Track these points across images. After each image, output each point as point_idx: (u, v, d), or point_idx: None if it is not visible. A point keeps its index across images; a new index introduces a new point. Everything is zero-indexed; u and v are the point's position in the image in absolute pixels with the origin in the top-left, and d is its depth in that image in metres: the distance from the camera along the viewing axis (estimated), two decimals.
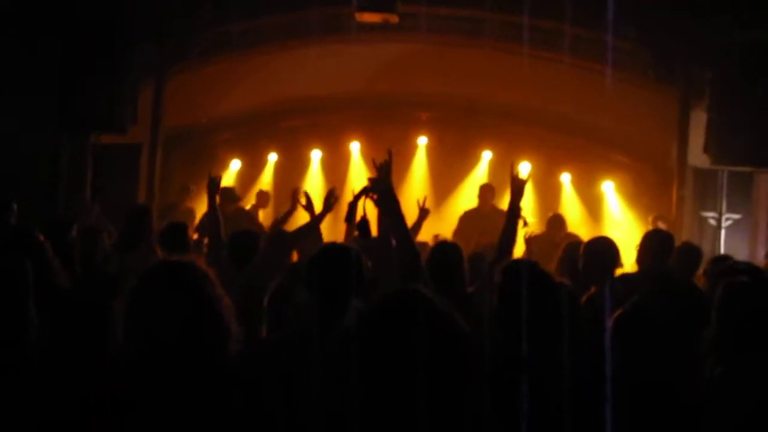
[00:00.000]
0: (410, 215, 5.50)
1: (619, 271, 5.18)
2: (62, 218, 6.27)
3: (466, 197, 11.78)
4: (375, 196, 4.19)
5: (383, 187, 4.09)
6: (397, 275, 4.04)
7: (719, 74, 9.25)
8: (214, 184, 5.94)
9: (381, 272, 4.29)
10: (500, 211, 8.80)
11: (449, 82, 11.65)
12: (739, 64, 8.90)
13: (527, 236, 7.41)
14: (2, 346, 3.08)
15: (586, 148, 12.21)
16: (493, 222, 8.58)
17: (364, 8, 9.42)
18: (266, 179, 12.63)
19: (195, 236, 8.37)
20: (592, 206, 12.31)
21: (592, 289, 4.89)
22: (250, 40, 11.48)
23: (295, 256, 6.08)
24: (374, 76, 11.79)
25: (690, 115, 10.19)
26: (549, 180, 12.21)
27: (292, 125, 12.77)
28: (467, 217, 10.40)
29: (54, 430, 2.93)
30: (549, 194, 12.14)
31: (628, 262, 5.52)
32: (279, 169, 12.72)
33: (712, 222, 10.30)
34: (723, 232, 10.15)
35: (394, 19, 9.60)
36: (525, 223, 4.92)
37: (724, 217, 10.17)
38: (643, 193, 11.83)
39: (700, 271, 5.83)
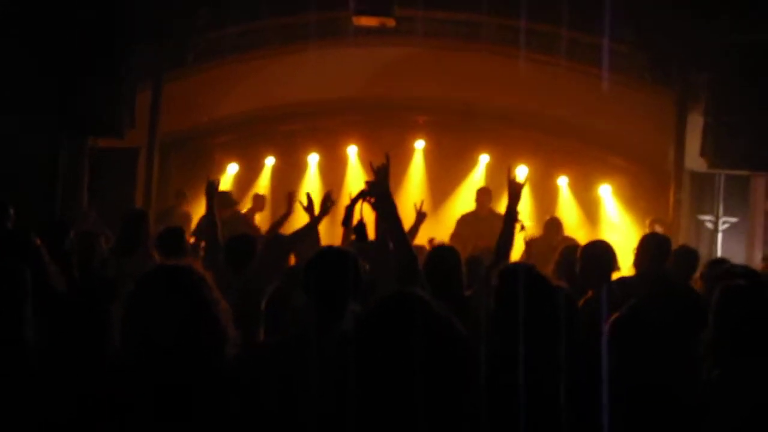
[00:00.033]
0: (407, 219, 5.50)
1: (616, 275, 5.18)
2: (60, 221, 6.26)
3: (464, 201, 11.79)
4: (372, 200, 4.19)
5: (381, 191, 4.09)
6: (394, 278, 4.04)
7: (716, 77, 9.27)
8: (212, 188, 5.93)
9: (378, 275, 4.29)
10: (497, 215, 8.81)
11: (446, 86, 11.67)
12: (736, 67, 8.92)
13: (527, 239, 7.41)
14: (0, 349, 3.08)
15: (583, 152, 12.22)
16: (490, 225, 8.59)
17: (361, 12, 9.44)
18: (263, 183, 12.62)
19: (192, 240, 8.36)
20: (590, 210, 12.32)
21: (590, 293, 4.89)
22: (248, 43, 11.50)
23: (292, 260, 6.08)
24: (371, 80, 11.81)
25: (687, 119, 10.21)
26: (546, 183, 12.22)
27: (289, 129, 12.77)
28: (464, 221, 10.40)
29: None
30: (546, 198, 12.14)
31: (625, 266, 5.53)
32: (276, 172, 12.71)
33: (709, 225, 10.31)
34: (720, 235, 10.17)
35: (391, 22, 9.62)
36: (522, 227, 4.92)
37: (721, 221, 10.19)
38: (640, 197, 11.84)
39: (697, 274, 5.84)
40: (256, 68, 11.75)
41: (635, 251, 5.64)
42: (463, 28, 11.45)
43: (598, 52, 9.94)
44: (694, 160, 10.02)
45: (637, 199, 11.92)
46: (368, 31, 10.49)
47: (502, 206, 5.37)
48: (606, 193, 12.26)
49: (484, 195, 10.55)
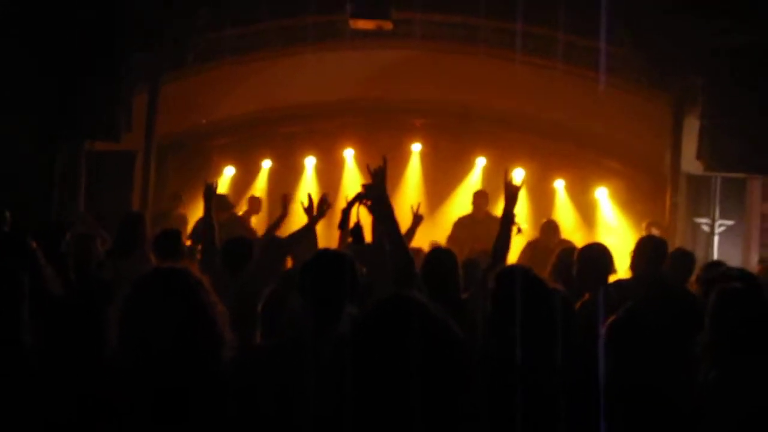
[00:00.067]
0: (404, 221, 5.50)
1: (612, 277, 5.19)
2: (57, 223, 6.25)
3: (460, 204, 11.79)
4: (369, 203, 4.19)
5: (377, 194, 4.09)
6: (391, 281, 4.04)
7: (712, 80, 9.28)
8: (210, 191, 5.93)
9: (375, 278, 4.29)
10: (494, 218, 8.80)
11: (443, 89, 11.67)
12: (732, 71, 8.93)
13: (531, 241, 7.40)
14: None
15: (579, 155, 12.23)
16: (487, 228, 8.59)
17: (358, 15, 9.44)
18: (260, 186, 12.62)
19: (188, 243, 8.36)
20: (586, 212, 12.32)
21: (586, 296, 4.89)
22: (245, 46, 11.48)
23: (289, 262, 6.08)
24: (368, 83, 11.81)
25: (683, 121, 10.23)
26: (543, 186, 12.22)
27: (286, 131, 12.77)
28: (461, 224, 10.41)
29: None
30: (543, 201, 12.15)
31: (622, 269, 5.53)
32: (273, 175, 12.70)
33: (706, 228, 10.33)
34: (716, 238, 10.18)
35: (388, 25, 9.62)
36: (519, 230, 4.92)
37: (717, 224, 10.20)
38: (637, 200, 11.85)
39: (693, 277, 5.84)
40: (254, 70, 11.75)
41: (632, 254, 5.65)
42: (460, 31, 11.44)
43: (594, 55, 9.95)
44: (691, 163, 10.03)
45: (633, 202, 11.93)
46: (365, 33, 10.49)
47: (498, 209, 5.37)
48: (602, 196, 12.27)
49: (480, 198, 10.55)
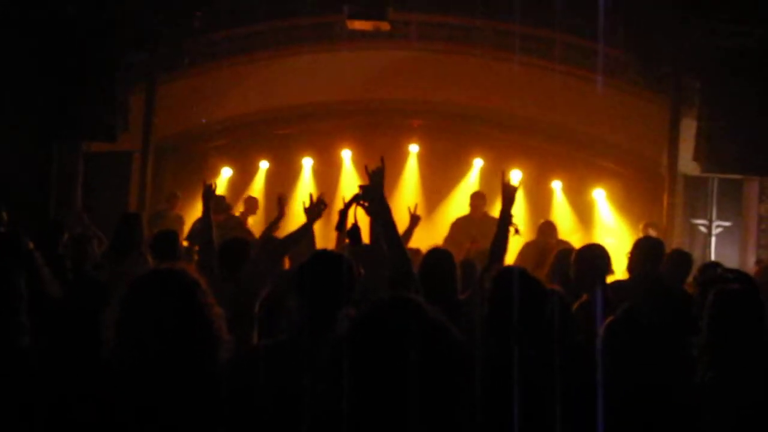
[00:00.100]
0: (401, 222, 5.50)
1: (610, 278, 5.19)
2: (54, 224, 6.25)
3: (458, 204, 11.79)
4: (366, 204, 4.18)
5: (375, 194, 4.08)
6: (388, 282, 4.03)
7: (709, 82, 9.30)
8: (209, 192, 5.92)
9: (372, 279, 4.29)
10: (492, 219, 8.80)
11: (440, 90, 11.68)
12: (729, 72, 8.94)
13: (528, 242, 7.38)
14: None
15: (576, 156, 12.24)
16: (484, 229, 8.59)
17: (355, 16, 9.45)
18: (257, 187, 12.59)
19: (185, 244, 8.35)
20: (583, 214, 12.32)
21: (584, 296, 4.89)
22: (241, 47, 11.50)
23: (287, 263, 6.07)
24: (366, 84, 11.81)
25: (680, 123, 10.25)
26: (540, 187, 12.22)
27: (283, 133, 12.76)
28: (458, 224, 10.40)
29: None
30: (540, 202, 12.15)
31: (619, 269, 5.53)
32: (270, 176, 12.69)
33: (703, 229, 10.35)
34: (713, 239, 10.20)
35: (385, 26, 9.63)
36: (516, 231, 4.91)
37: (714, 225, 10.22)
38: (634, 201, 11.86)
39: (690, 278, 5.85)
40: (250, 71, 11.75)
41: (629, 255, 5.66)
42: (458, 32, 11.46)
43: (591, 56, 9.98)
44: (688, 164, 10.05)
45: (630, 203, 11.94)
46: (363, 34, 10.50)
47: (496, 210, 5.36)
48: (600, 197, 12.27)
49: (478, 199, 10.55)
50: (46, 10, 8.54)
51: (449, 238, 9.92)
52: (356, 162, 12.37)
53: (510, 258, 5.84)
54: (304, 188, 12.21)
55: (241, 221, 10.57)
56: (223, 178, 12.51)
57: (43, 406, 2.95)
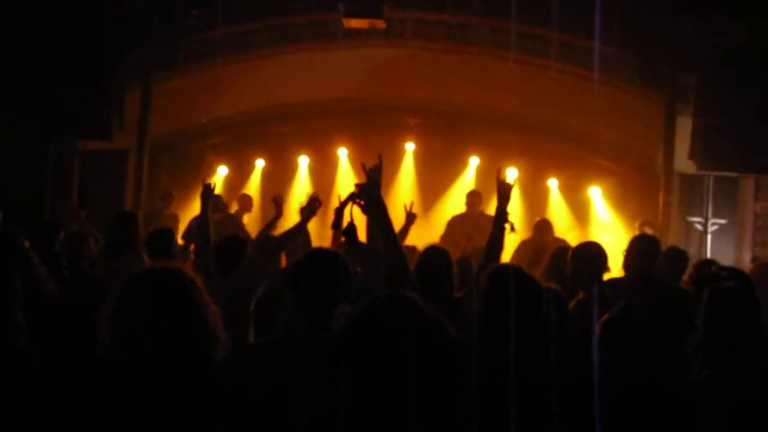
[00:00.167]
0: (398, 220, 5.50)
1: (606, 276, 5.19)
2: (50, 222, 6.24)
3: (454, 202, 11.79)
4: (362, 202, 4.18)
5: (371, 193, 4.08)
6: (384, 280, 4.03)
7: (705, 79, 9.31)
8: (208, 191, 5.91)
9: (369, 277, 4.28)
10: (488, 217, 8.81)
11: (437, 88, 11.68)
12: (725, 70, 8.95)
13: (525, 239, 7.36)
14: None
15: (572, 154, 12.24)
16: (480, 227, 8.59)
17: (351, 14, 9.45)
18: (254, 185, 12.58)
19: (181, 243, 8.33)
20: (579, 211, 12.33)
21: (580, 294, 4.90)
22: (238, 45, 11.48)
23: (283, 261, 6.06)
24: (362, 82, 11.81)
25: (676, 121, 10.26)
26: (536, 185, 12.23)
27: (279, 131, 12.74)
28: (455, 222, 10.41)
29: None
30: (536, 200, 12.16)
31: (615, 267, 5.54)
32: (266, 175, 12.68)
33: (698, 227, 10.36)
34: (709, 236, 10.22)
35: (381, 24, 9.63)
36: (512, 229, 4.91)
37: (710, 222, 10.24)
38: (630, 199, 11.86)
39: (686, 275, 5.86)
40: (246, 70, 11.74)
41: (625, 252, 5.66)
42: (454, 30, 11.47)
43: (587, 54, 9.98)
44: (683, 162, 10.07)
45: (626, 200, 11.95)
46: (359, 32, 10.50)
47: (492, 208, 5.36)
48: (596, 195, 12.28)
49: (474, 197, 10.56)
50: (41, 9, 8.53)
51: (445, 236, 9.92)
52: (352, 160, 12.36)
53: (506, 256, 5.84)
54: (301, 186, 12.21)
55: (238, 221, 10.55)
56: (219, 176, 12.48)
57: (39, 404, 2.95)
